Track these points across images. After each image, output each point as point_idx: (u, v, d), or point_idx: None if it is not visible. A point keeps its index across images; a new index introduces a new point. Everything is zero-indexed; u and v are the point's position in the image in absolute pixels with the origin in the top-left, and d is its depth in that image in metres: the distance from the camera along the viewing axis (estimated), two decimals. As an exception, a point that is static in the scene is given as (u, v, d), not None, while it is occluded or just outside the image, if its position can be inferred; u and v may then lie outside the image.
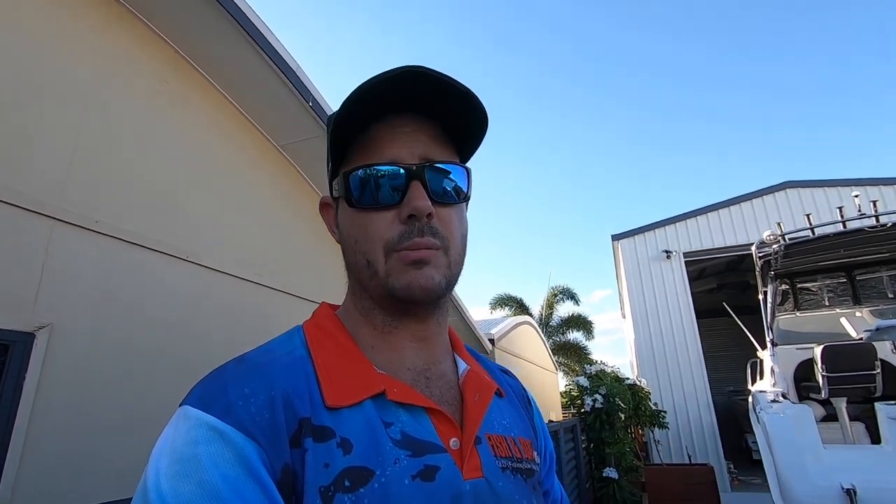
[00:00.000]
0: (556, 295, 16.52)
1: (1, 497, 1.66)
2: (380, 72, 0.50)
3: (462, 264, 0.56)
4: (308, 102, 3.11)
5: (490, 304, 16.80)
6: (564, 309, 16.75)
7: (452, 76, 0.50)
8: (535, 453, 0.61)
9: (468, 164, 0.59)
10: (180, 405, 0.46)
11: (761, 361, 5.33)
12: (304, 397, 0.46)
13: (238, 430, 0.42)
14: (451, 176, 0.55)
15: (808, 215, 4.64)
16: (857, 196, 4.49)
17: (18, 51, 1.93)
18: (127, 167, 2.32)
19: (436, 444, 0.48)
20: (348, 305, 0.59)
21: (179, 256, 2.51)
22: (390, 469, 0.44)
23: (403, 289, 0.51)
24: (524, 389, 0.71)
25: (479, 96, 0.52)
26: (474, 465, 0.50)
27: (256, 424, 0.42)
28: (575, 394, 6.35)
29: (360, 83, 0.50)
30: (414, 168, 0.52)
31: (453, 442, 0.50)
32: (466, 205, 0.59)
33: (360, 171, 0.52)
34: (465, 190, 0.57)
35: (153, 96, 2.55)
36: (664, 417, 7.45)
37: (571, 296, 16.49)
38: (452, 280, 0.54)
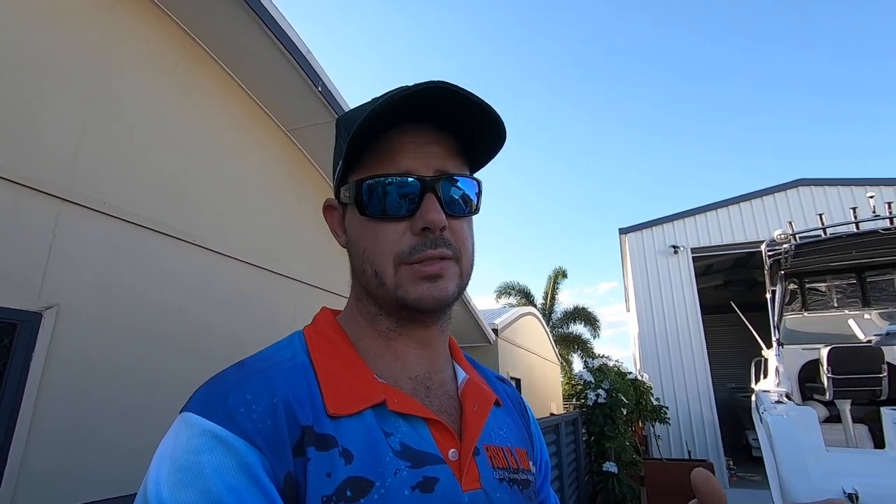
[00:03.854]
0: (556, 278, 16.51)
1: (9, 472, 1.69)
2: (400, 86, 0.50)
3: (472, 273, 0.57)
4: (317, 87, 3.08)
5: (495, 292, 16.82)
6: (569, 299, 16.78)
7: (473, 91, 0.49)
8: (531, 463, 0.61)
9: (479, 176, 0.59)
10: (181, 412, 0.45)
11: (766, 360, 5.30)
12: (306, 405, 0.46)
13: (241, 438, 0.41)
14: (464, 188, 0.55)
15: (820, 215, 4.56)
16: (871, 197, 4.40)
17: (26, 31, 1.91)
18: (135, 149, 2.31)
19: (435, 456, 0.48)
20: (352, 310, 0.58)
21: (186, 239, 2.52)
22: (390, 480, 0.44)
23: (415, 301, 0.51)
24: (521, 398, 0.72)
25: (498, 112, 0.51)
26: (473, 476, 0.50)
27: (259, 432, 0.42)
28: (579, 388, 6.36)
29: (381, 96, 0.50)
30: (428, 180, 0.52)
31: (452, 453, 0.50)
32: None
33: (374, 180, 0.52)
34: (476, 202, 0.57)
35: (162, 78, 2.53)
36: (665, 412, 7.46)
37: (564, 274, 16.54)
38: (463, 288, 0.55)
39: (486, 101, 0.50)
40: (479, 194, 0.57)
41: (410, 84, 0.52)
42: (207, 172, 2.77)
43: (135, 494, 0.41)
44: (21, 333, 1.80)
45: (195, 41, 2.74)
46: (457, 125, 0.53)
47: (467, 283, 0.56)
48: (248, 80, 3.08)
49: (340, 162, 0.55)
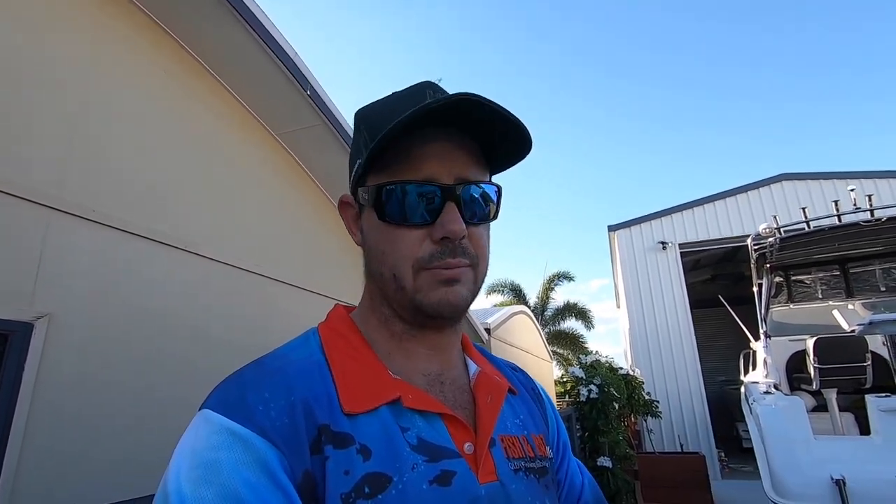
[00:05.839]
0: (552, 280, 16.53)
1: (2, 488, 1.67)
2: (425, 83, 0.52)
3: (485, 279, 0.57)
4: (306, 91, 3.08)
5: (486, 289, 16.81)
6: (561, 296, 16.81)
7: (502, 104, 0.50)
8: (548, 448, 0.62)
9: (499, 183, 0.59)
10: (200, 409, 0.46)
11: (754, 353, 5.39)
12: (323, 403, 0.47)
13: (259, 436, 0.42)
14: (483, 195, 0.55)
15: (804, 209, 4.66)
16: (852, 190, 4.51)
17: (12, 39, 1.89)
18: (124, 156, 2.30)
19: (451, 450, 0.49)
20: (365, 310, 0.59)
21: (177, 246, 2.50)
22: (408, 475, 0.45)
23: (433, 306, 0.52)
24: (534, 383, 0.72)
25: (524, 123, 0.52)
26: (489, 468, 0.51)
27: (277, 430, 0.43)
28: (570, 385, 6.40)
29: (402, 94, 0.52)
30: (450, 188, 0.52)
31: (467, 446, 0.51)
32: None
33: (395, 185, 0.51)
34: (495, 208, 0.57)
35: (150, 84, 2.52)
36: (657, 407, 7.54)
37: (568, 278, 16.50)
38: (476, 293, 0.56)
39: (512, 113, 0.50)
40: (498, 200, 0.57)
41: (430, 82, 0.53)
42: (198, 178, 2.76)
43: (128, 500, 0.41)
44: (12, 345, 1.78)
45: (182, 47, 2.73)
46: (480, 130, 0.53)
47: (480, 289, 0.56)
48: (237, 84, 3.07)
49: (359, 162, 0.54)
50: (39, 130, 1.94)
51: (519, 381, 0.68)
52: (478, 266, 0.54)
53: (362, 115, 0.58)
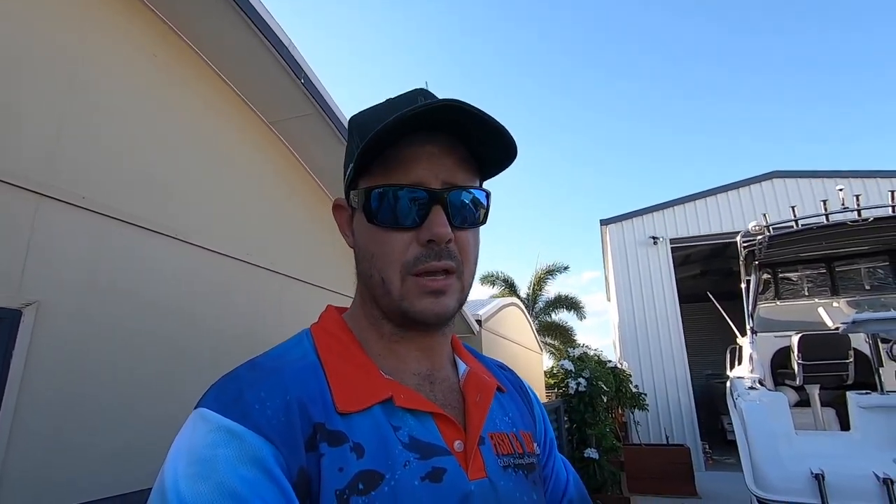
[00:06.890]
0: (546, 273, 16.59)
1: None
2: (415, 90, 0.54)
3: (472, 285, 0.58)
4: (300, 79, 3.05)
5: (479, 280, 16.85)
6: (553, 289, 16.91)
7: (488, 112, 0.50)
8: (536, 444, 0.64)
9: (488, 188, 0.60)
10: (196, 407, 0.47)
11: (740, 348, 5.47)
12: (318, 403, 0.48)
13: (255, 433, 0.43)
14: (471, 200, 0.55)
15: (793, 207, 4.72)
16: (841, 189, 4.57)
17: (1, 23, 1.85)
18: (115, 142, 2.27)
19: (441, 447, 0.51)
20: (356, 311, 0.60)
21: (168, 234, 2.48)
22: (400, 472, 0.46)
23: (418, 314, 0.53)
24: (521, 381, 0.74)
25: (509, 131, 0.52)
26: (478, 465, 0.52)
27: (273, 427, 0.44)
28: (560, 377, 6.47)
29: (394, 100, 0.54)
30: (437, 192, 0.53)
31: (457, 444, 0.52)
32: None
33: (384, 189, 0.53)
34: (484, 214, 0.58)
35: (141, 69, 2.48)
36: (644, 399, 7.65)
37: (561, 269, 16.55)
38: (463, 301, 0.57)
39: (497, 120, 0.51)
40: (487, 205, 0.58)
41: (422, 89, 0.55)
42: (189, 166, 2.73)
43: (121, 495, 0.42)
44: (0, 331, 1.77)
45: (174, 31, 2.69)
46: (468, 135, 0.54)
47: (467, 297, 0.57)
48: (229, 71, 3.03)
49: (351, 166, 0.56)
50: (27, 116, 1.91)
51: (507, 380, 0.70)
52: (463, 273, 0.55)
53: (355, 122, 0.59)
